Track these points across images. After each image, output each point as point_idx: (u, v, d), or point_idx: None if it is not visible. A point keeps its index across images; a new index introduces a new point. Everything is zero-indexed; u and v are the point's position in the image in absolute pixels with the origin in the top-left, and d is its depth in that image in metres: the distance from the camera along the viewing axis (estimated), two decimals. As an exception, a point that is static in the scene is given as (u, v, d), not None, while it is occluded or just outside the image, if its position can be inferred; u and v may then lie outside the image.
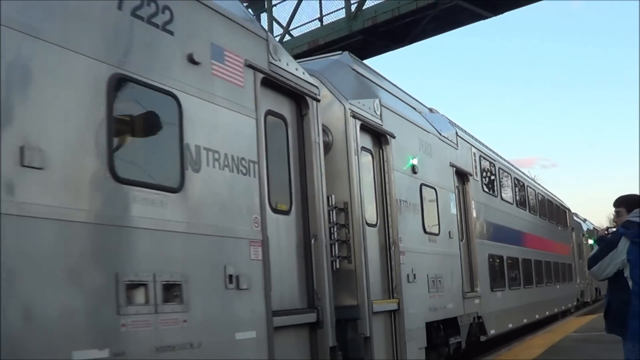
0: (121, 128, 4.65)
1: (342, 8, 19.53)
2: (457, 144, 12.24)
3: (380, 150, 8.99)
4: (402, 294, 8.92)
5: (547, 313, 19.38)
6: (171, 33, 5.19)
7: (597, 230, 27.11)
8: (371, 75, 10.06)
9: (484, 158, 14.34)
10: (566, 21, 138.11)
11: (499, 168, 15.82)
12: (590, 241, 25.99)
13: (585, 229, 29.63)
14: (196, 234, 5.18)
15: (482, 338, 12.60)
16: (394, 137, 9.15)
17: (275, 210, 6.45)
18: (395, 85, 11.16)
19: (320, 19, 20.29)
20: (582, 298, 27.29)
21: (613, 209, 6.12)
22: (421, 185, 10.11)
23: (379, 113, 8.89)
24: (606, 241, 5.87)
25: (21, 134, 3.90)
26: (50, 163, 4.04)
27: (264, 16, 21.87)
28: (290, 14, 21.14)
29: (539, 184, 22.35)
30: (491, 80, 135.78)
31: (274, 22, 21.58)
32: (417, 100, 12.12)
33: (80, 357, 4.08)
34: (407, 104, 11.05)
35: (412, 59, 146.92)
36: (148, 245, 4.71)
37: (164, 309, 4.74)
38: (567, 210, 26.33)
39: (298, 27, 21.06)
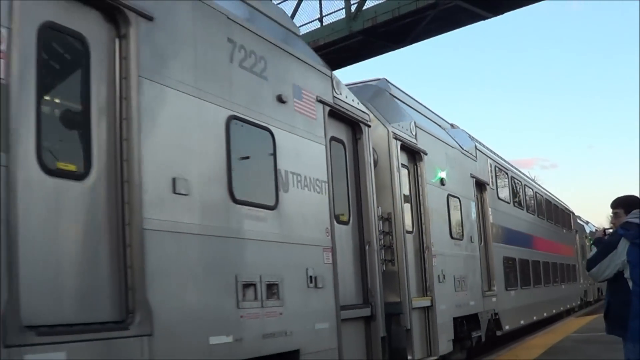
0: (236, 159, 5.83)
1: (342, 8, 19.12)
2: (476, 157, 13.44)
3: (415, 166, 10.18)
4: (434, 292, 10.11)
5: (553, 311, 20.60)
6: (265, 79, 6.37)
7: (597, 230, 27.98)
8: (404, 97, 11.26)
9: (499, 168, 15.55)
10: (566, 21, 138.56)
11: (511, 177, 17.05)
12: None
13: (588, 231, 30.81)
14: (287, 242, 6.36)
15: (498, 333, 13.79)
16: (426, 154, 10.35)
17: (339, 221, 7.63)
18: (423, 105, 12.35)
19: (320, 20, 19.83)
20: (585, 297, 28.55)
21: (611, 210, 6.15)
22: (448, 195, 11.31)
23: (414, 133, 10.10)
24: (605, 242, 5.86)
25: (173, 168, 5.07)
26: (192, 190, 5.21)
27: (263, 16, 22.41)
28: (290, 15, 21.24)
29: (545, 189, 23.56)
30: (491, 80, 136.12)
31: (273, 23, 22.30)
32: (440, 117, 13.32)
33: (214, 342, 5.26)
34: (434, 122, 12.25)
35: (412, 59, 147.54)
36: (255, 252, 5.88)
37: (267, 303, 5.92)
38: (571, 214, 27.58)
39: (298, 27, 21.28)
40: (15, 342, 3.71)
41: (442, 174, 11.02)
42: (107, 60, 4.73)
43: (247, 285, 5.69)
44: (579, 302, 26.61)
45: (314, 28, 20.03)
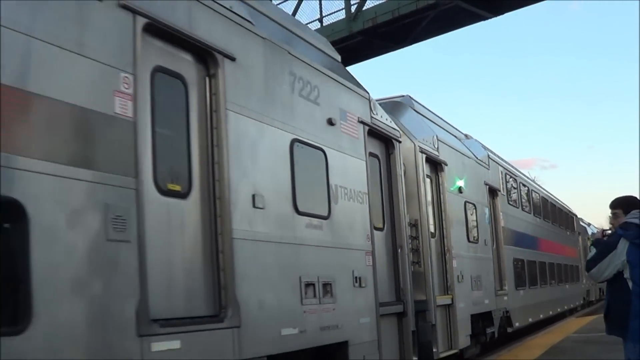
0: (297, 176, 6.74)
1: (342, 9, 19.20)
2: (488, 165, 14.37)
3: (437, 176, 11.10)
4: (454, 291, 11.03)
5: (558, 310, 21.55)
6: (318, 104, 7.29)
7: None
8: (426, 112, 12.18)
9: (509, 175, 16.48)
10: (565, 22, 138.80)
11: (520, 182, 17.99)
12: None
13: (590, 232, 31.75)
14: (337, 248, 7.28)
15: (509, 330, 14.72)
16: (446, 165, 11.27)
17: (375, 228, 8.54)
18: (441, 118, 13.28)
19: (320, 20, 19.93)
20: (587, 297, 29.53)
21: (610, 210, 6.16)
22: (465, 202, 12.23)
23: (436, 146, 11.03)
24: (604, 243, 5.87)
25: (252, 186, 5.98)
26: (267, 204, 6.12)
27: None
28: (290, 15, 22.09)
29: (550, 193, 24.49)
30: (490, 80, 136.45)
31: (274, 23, 22.43)
32: (455, 128, 14.23)
33: (284, 333, 6.17)
34: (451, 134, 13.18)
35: (412, 59, 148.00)
36: (314, 256, 6.80)
37: (323, 300, 6.84)
38: (574, 216, 28.54)
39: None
40: (145, 333, 4.61)
41: (460, 183, 11.94)
42: (201, 96, 5.65)
43: (308, 285, 6.61)
44: (581, 302, 27.57)
45: (314, 28, 19.37)
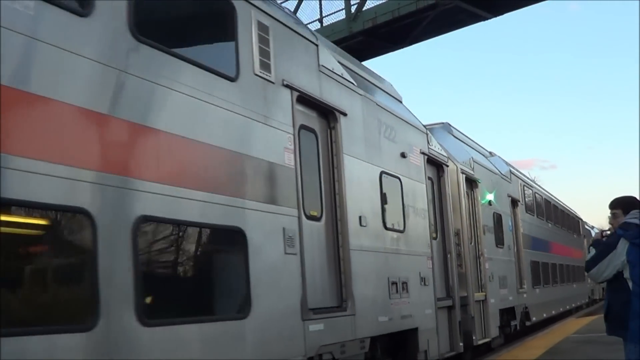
0: (385, 199, 8.73)
1: (342, 9, 19.17)
2: (510, 179, 16.41)
3: (472, 191, 13.12)
4: (487, 289, 13.05)
5: (567, 307, 23.62)
6: (395, 142, 9.29)
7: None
8: (462, 136, 14.21)
9: (526, 186, 18.53)
10: (564, 22, 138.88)
11: (534, 192, 20.04)
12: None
13: (593, 235, 33.83)
14: (410, 254, 9.29)
15: (528, 323, 16.75)
16: (480, 182, 13.29)
17: (432, 238, 10.55)
18: (472, 140, 15.29)
19: (320, 20, 19.89)
20: (592, 296, 31.65)
21: (609, 210, 6.14)
22: (494, 213, 14.26)
23: (472, 167, 13.04)
24: (604, 243, 5.87)
25: (359, 210, 7.97)
26: (367, 223, 8.12)
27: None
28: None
29: (559, 200, 26.55)
30: (490, 81, 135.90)
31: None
32: (482, 147, 16.26)
33: (380, 320, 8.17)
34: (480, 153, 15.19)
35: (411, 60, 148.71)
36: (395, 261, 8.80)
37: (402, 295, 8.84)
38: (579, 220, 30.65)
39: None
40: (306, 318, 6.60)
41: (490, 197, 13.97)
42: (324, 144, 7.65)
43: (393, 284, 8.62)
44: (586, 300, 29.69)
45: (314, 29, 19.03)
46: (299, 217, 6.71)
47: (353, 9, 18.83)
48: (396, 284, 8.72)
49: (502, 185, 15.51)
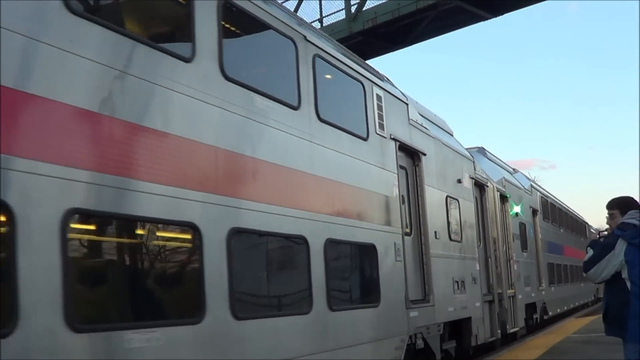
0: (449, 217, 11.31)
1: (342, 9, 19.15)
2: (531, 192, 19.01)
3: (503, 206, 15.71)
4: (516, 287, 15.65)
5: (576, 304, 26.27)
6: (453, 171, 11.88)
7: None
8: (494, 158, 16.80)
9: (543, 197, 21.16)
10: (563, 22, 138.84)
11: (550, 202, 22.68)
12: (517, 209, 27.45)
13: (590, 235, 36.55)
14: (465, 259, 11.87)
15: (545, 317, 19.36)
16: (510, 197, 15.88)
17: (477, 245, 13.14)
18: (501, 160, 17.88)
19: (321, 20, 19.86)
20: (597, 294, 34.29)
21: (607, 211, 6.12)
22: (519, 222, 16.87)
23: (503, 185, 15.63)
24: (603, 244, 5.84)
25: (434, 226, 10.54)
26: (439, 236, 10.69)
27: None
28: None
29: (568, 206, 29.19)
30: (489, 81, 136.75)
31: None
32: (509, 166, 18.85)
33: (449, 310, 10.74)
34: (508, 172, 17.78)
35: (410, 59, 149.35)
36: (456, 265, 11.38)
37: (461, 291, 11.43)
38: (586, 225, 33.36)
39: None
40: (408, 307, 9.16)
41: (517, 209, 16.56)
42: (411, 177, 10.22)
43: (455, 282, 11.20)
44: (592, 298, 32.37)
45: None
46: (402, 234, 9.30)
47: (353, 9, 18.63)
48: (457, 282, 11.30)
49: (525, 198, 18.11)
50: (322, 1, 20.18)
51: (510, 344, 14.41)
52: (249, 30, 6.87)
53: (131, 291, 5.16)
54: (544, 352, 12.28)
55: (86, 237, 4.75)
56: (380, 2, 18.30)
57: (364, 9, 18.53)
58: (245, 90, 6.28)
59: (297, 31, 7.30)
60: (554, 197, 25.05)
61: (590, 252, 5.87)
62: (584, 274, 6.06)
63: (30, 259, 4.02)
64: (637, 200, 6.13)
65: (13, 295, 3.90)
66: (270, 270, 6.88)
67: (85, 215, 4.55)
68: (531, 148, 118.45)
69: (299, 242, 6.85)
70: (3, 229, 3.99)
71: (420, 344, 9.45)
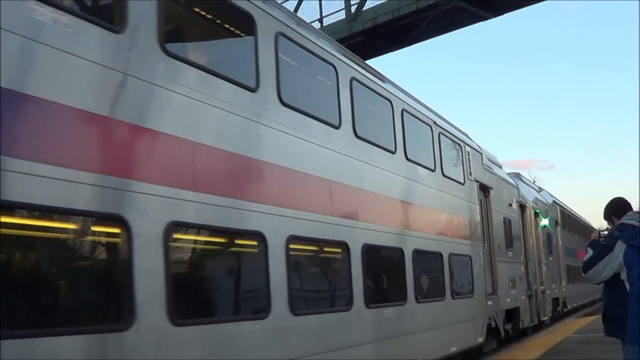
0: (506, 231, 15.34)
1: (342, 9, 19.14)
2: (553, 206, 23.09)
3: (535, 219, 19.70)
4: (545, 284, 19.72)
5: (587, 300, 30.41)
6: (506, 197, 15.92)
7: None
8: (527, 181, 20.82)
9: (563, 210, 25.25)
10: (562, 22, 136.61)
11: (567, 213, 26.77)
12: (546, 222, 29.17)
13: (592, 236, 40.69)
14: (515, 263, 15.90)
15: (564, 310, 23.44)
16: (540, 213, 19.90)
17: (520, 252, 17.16)
18: (533, 182, 21.83)
19: (320, 20, 19.87)
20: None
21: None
22: (547, 233, 20.95)
23: (535, 203, 19.67)
24: (601, 245, 5.75)
25: (498, 238, 14.58)
26: (500, 247, 14.73)
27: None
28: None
29: (578, 213, 33.24)
30: (489, 81, 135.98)
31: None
32: (536, 185, 22.82)
33: (507, 301, 14.79)
34: (536, 191, 21.83)
35: (409, 59, 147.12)
36: (511, 268, 15.42)
37: (513, 288, 15.47)
38: (594, 230, 37.48)
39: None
40: (487, 298, 13.21)
41: (545, 222, 20.61)
42: (484, 205, 14.24)
43: (510, 280, 15.24)
44: (600, 296, 36.43)
45: None
46: (483, 246, 13.34)
47: (353, 9, 18.64)
48: (511, 280, 15.35)
49: (550, 212, 22.17)
50: (322, 1, 19.95)
51: (511, 343, 14.67)
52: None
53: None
54: (544, 352, 12.29)
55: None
56: (380, 2, 18.14)
57: (364, 9, 18.41)
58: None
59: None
60: (570, 209, 29.13)
61: (590, 252, 5.80)
62: (583, 275, 5.99)
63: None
64: (639, 197, 6.72)
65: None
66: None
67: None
68: (530, 148, 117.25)
69: (437, 256, 10.88)
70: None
71: (492, 324, 13.48)
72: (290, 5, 19.67)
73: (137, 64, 5.08)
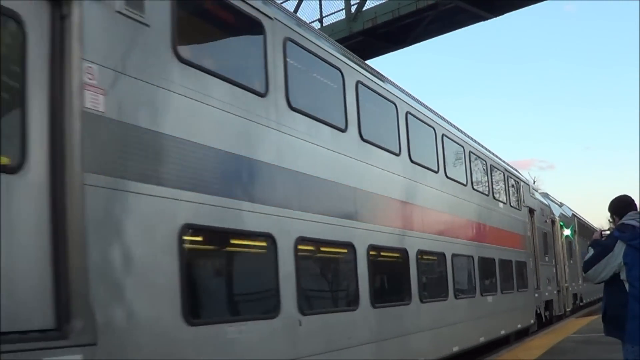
0: (544, 242, 20.22)
1: (342, 9, 19.17)
2: (573, 218, 27.99)
3: (561, 230, 24.38)
4: (568, 282, 24.58)
5: (597, 297, 35.27)
6: (543, 215, 20.77)
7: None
8: (552, 197, 25.57)
9: (578, 220, 30.16)
10: (561, 23, 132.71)
11: (582, 223, 31.71)
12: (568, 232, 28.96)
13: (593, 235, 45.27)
14: (549, 265, 20.77)
15: (581, 304, 28.28)
16: (563, 224, 24.66)
17: (551, 257, 22.01)
18: (554, 198, 26.58)
19: (320, 20, 19.90)
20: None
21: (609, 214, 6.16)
22: (569, 241, 25.87)
23: (560, 217, 24.38)
24: (602, 245, 5.77)
25: (539, 248, 19.42)
26: (541, 253, 19.59)
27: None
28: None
29: (591, 223, 38.12)
30: (488, 81, 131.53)
31: (274, 23, 21.44)
32: (557, 200, 27.54)
33: (545, 294, 19.63)
34: (558, 205, 26.54)
35: (409, 59, 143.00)
36: (547, 269, 20.28)
37: (549, 284, 20.37)
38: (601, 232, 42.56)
39: None
40: (535, 291, 18.08)
41: (567, 232, 25.49)
42: (530, 223, 19.08)
43: (547, 279, 20.06)
44: (606, 292, 41.53)
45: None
46: (532, 254, 18.18)
47: (353, 9, 18.67)
48: (547, 279, 20.21)
49: (570, 223, 27.10)
50: (322, 1, 19.96)
51: (511, 344, 14.97)
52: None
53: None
54: (544, 352, 12.39)
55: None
56: (380, 2, 18.13)
57: (364, 9, 18.48)
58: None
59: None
60: (585, 220, 34.12)
61: (591, 251, 5.84)
62: (583, 274, 5.80)
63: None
64: (639, 198, 6.08)
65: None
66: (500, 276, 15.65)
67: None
68: (530, 148, 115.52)
69: (509, 264, 15.64)
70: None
71: (538, 310, 18.32)
72: (290, 5, 19.59)
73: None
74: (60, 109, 4.28)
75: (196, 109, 5.54)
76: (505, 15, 17.98)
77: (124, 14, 4.87)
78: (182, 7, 5.50)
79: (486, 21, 18.04)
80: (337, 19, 19.32)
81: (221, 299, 6.03)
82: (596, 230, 7.65)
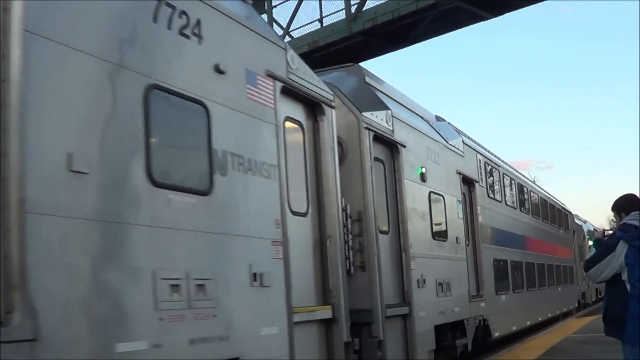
0: (579, 249, 24.02)
1: (342, 9, 18.94)
2: (581, 225, 31.72)
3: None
4: (579, 282, 27.73)
5: (600, 296, 38.42)
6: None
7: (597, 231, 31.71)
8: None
9: (579, 221, 33.70)
10: (559, 23, 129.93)
11: (586, 228, 35.15)
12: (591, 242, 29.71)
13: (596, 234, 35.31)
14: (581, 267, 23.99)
15: (599, 296, 31.39)
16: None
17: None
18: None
19: (320, 20, 19.71)
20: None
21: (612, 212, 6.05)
22: (580, 243, 29.30)
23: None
24: (604, 245, 5.72)
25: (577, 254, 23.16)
26: (577, 257, 23.45)
27: (264, 17, 19.15)
28: (290, 15, 20.71)
29: (591, 222, 41.92)
30: (487, 81, 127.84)
31: (274, 23, 20.71)
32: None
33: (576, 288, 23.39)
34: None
35: (408, 58, 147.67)
36: (580, 270, 23.74)
37: (583, 281, 24.29)
38: (603, 231, 45.55)
39: (298, 28, 20.61)
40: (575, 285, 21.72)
41: (590, 242, 28.76)
42: (574, 238, 22.50)
43: (581, 277, 23.67)
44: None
45: (314, 29, 19.45)
46: (574, 260, 22.23)
47: (353, 9, 18.52)
48: (582, 278, 24.86)
49: (589, 233, 31.14)
50: (322, 1, 19.89)
51: (511, 343, 14.62)
52: None
53: None
54: (544, 352, 12.34)
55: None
56: (380, 2, 18.04)
57: (364, 9, 18.38)
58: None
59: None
60: (595, 226, 37.65)
61: (593, 250, 5.89)
62: (584, 273, 6.09)
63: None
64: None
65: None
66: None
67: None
68: (529, 148, 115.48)
69: (565, 268, 19.97)
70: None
71: (578, 298, 23.01)
72: (291, 5, 19.84)
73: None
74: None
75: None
76: (505, 15, 18.09)
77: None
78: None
79: (486, 21, 18.12)
80: (337, 19, 19.35)
81: (502, 282, 14.40)
82: (598, 230, 11.58)
